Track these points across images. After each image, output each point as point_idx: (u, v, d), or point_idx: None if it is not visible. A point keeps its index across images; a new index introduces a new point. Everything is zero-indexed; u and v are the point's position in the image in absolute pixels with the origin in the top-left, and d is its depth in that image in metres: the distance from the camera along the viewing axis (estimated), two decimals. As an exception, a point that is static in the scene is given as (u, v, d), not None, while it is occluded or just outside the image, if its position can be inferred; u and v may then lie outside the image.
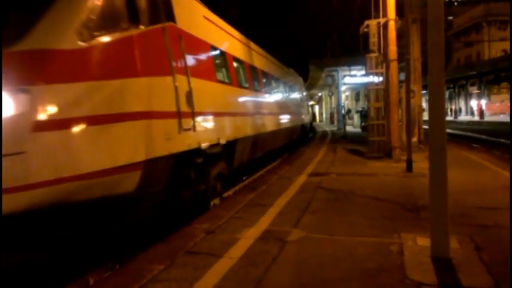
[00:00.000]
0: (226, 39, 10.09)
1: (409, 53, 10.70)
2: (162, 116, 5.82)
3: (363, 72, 31.69)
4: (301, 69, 33.26)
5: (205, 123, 7.45)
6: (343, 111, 35.66)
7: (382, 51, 12.70)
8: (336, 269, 4.06)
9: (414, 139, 13.47)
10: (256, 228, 5.55)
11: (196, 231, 5.52)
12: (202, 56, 7.94)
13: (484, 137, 23.81)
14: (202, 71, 7.72)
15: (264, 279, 3.88)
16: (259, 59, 13.82)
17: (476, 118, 48.87)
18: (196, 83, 7.07)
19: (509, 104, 43.04)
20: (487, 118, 45.49)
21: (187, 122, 6.46)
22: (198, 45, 7.73)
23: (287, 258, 4.41)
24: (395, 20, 11.83)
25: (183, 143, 6.35)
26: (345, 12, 38.70)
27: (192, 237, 5.24)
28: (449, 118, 53.02)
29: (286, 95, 18.63)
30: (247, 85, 11.36)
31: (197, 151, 6.94)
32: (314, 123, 43.81)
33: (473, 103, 56.83)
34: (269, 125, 13.29)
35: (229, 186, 9.91)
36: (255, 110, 11.87)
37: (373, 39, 12.64)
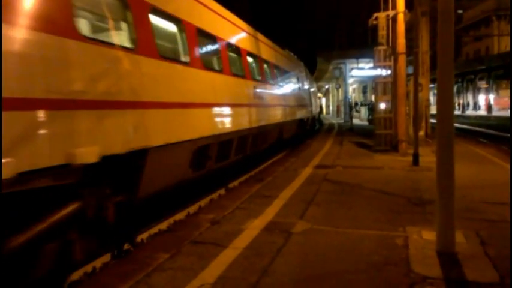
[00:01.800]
0: None
1: (418, 47, 10.59)
2: None
3: (371, 65, 31.63)
4: (309, 61, 33.15)
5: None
6: (351, 103, 35.55)
7: (390, 44, 12.62)
8: (341, 262, 4.07)
9: (421, 133, 13.40)
10: (261, 219, 5.56)
11: (201, 221, 5.54)
12: None
13: (491, 131, 23.67)
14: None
15: (269, 269, 3.89)
16: (215, 22, 9.04)
17: (484, 113, 48.52)
18: None
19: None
20: (495, 113, 45.13)
21: None
22: None
23: (292, 250, 4.42)
24: (405, 13, 11.74)
25: None
26: (353, 4, 38.48)
27: (198, 227, 5.27)
28: (457, 112, 52.72)
29: (269, 80, 13.29)
30: (186, 59, 7.19)
31: None
32: (321, 116, 43.45)
33: (481, 98, 56.43)
34: (229, 123, 8.93)
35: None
36: (202, 99, 7.54)
37: (382, 32, 12.56)
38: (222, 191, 8.86)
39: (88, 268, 4.93)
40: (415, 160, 9.82)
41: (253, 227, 5.22)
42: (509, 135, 19.88)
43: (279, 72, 15.09)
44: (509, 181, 7.57)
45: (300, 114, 18.76)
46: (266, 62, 13.22)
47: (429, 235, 4.66)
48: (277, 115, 13.72)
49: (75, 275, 4.75)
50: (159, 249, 4.48)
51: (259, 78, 12.11)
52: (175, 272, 3.88)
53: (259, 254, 4.28)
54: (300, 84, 20.06)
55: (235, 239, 4.76)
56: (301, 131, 19.94)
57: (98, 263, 5.06)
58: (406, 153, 11.42)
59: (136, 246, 5.44)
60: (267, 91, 12.82)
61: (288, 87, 16.72)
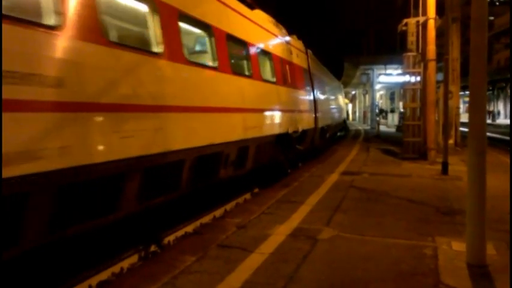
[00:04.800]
0: None
1: (448, 53, 10.44)
2: None
3: (399, 71, 31.34)
4: (336, 66, 33.03)
5: None
6: (377, 111, 35.24)
7: (420, 50, 12.45)
8: (368, 270, 4.02)
9: (450, 141, 13.17)
10: (287, 225, 5.55)
11: (227, 225, 5.57)
12: None
13: (523, 141, 23.05)
14: None
15: (295, 276, 3.88)
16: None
17: (516, 122, 47.34)
18: None
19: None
20: (526, 122, 43.99)
21: None
22: None
23: (318, 257, 4.39)
24: (435, 19, 11.57)
25: None
26: (382, 8, 38.19)
27: (224, 231, 5.30)
28: (487, 121, 51.69)
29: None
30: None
31: None
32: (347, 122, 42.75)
33: (513, 106, 55.14)
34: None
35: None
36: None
37: (412, 38, 12.40)
38: (248, 196, 8.88)
39: (116, 268, 5.01)
40: (444, 169, 9.64)
41: (279, 233, 5.21)
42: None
43: (256, 59, 9.11)
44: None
45: (283, 125, 10.62)
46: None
47: (459, 246, 4.58)
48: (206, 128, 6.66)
49: (104, 275, 4.84)
50: (185, 252, 4.52)
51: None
52: (201, 275, 3.91)
53: (285, 260, 4.27)
54: (288, 76, 11.72)
55: (262, 244, 4.77)
56: (284, 156, 11.37)
57: (125, 263, 5.14)
58: (435, 161, 11.24)
59: (163, 248, 5.50)
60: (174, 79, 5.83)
61: (254, 77, 8.82)
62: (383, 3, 37.71)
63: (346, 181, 8.88)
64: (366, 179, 9.21)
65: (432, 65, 11.61)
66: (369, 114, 39.25)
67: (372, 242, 4.88)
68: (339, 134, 28.51)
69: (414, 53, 12.45)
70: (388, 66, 31.38)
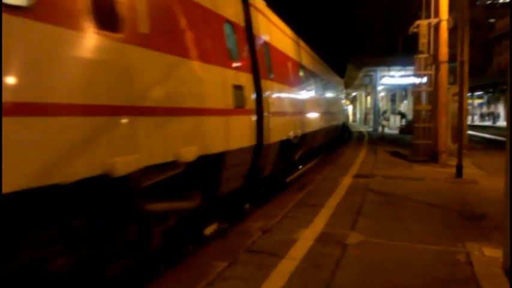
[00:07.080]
0: None
1: (462, 55, 10.36)
2: None
3: (402, 73, 31.33)
4: (338, 67, 32.92)
5: None
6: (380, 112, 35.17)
7: (430, 52, 12.37)
8: (404, 276, 3.95)
9: (457, 144, 13.11)
10: (311, 229, 5.47)
11: (251, 229, 5.49)
12: None
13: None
14: None
15: (332, 283, 3.80)
16: None
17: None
18: None
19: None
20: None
21: None
22: None
23: (351, 262, 4.31)
24: (448, 21, 11.51)
25: None
26: (386, 9, 38.21)
27: (249, 235, 5.21)
28: (487, 123, 52.09)
29: None
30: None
31: None
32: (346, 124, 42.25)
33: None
34: None
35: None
36: None
37: (423, 40, 12.33)
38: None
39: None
40: (459, 172, 9.57)
41: (306, 237, 5.13)
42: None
43: None
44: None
45: (77, 157, 3.30)
46: None
47: (491, 252, 4.51)
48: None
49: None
50: (214, 258, 4.44)
51: None
52: (237, 281, 3.82)
53: (318, 266, 4.19)
54: (144, 20, 4.19)
55: (290, 249, 4.68)
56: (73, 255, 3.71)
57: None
58: (446, 164, 11.18)
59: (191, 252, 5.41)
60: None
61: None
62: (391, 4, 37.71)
63: (362, 184, 8.80)
64: (381, 182, 9.12)
65: (444, 67, 11.55)
66: (370, 116, 39.19)
67: (402, 247, 4.81)
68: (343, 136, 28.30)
69: (426, 55, 12.38)
70: (391, 68, 31.36)
